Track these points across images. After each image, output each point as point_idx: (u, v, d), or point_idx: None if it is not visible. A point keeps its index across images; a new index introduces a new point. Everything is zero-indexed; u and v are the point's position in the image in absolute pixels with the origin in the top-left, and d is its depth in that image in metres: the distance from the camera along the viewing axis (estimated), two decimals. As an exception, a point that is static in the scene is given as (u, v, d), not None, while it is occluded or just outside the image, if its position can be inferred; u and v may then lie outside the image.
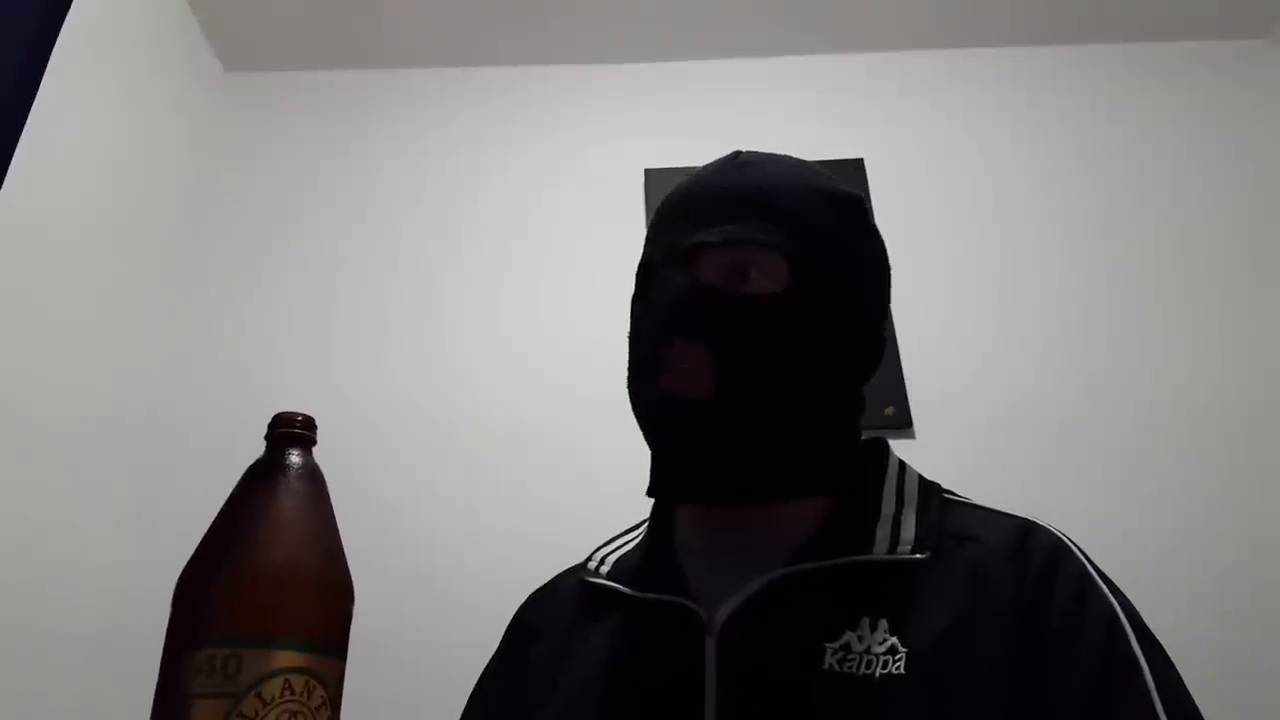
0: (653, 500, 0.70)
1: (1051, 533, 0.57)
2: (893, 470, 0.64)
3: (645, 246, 0.67)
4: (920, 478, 0.64)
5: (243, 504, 0.42)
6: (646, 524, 0.71)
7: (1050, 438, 1.54)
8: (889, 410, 1.53)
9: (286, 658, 0.38)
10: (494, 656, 0.72)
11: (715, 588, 0.58)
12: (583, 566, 0.70)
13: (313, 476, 0.44)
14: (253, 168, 1.86)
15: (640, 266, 0.66)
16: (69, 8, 1.38)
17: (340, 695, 0.41)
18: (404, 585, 1.42)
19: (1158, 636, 0.54)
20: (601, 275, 1.73)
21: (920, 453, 1.53)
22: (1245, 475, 1.50)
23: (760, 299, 0.59)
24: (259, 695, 0.36)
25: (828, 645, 0.52)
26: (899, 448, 1.76)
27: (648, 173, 1.80)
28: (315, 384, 1.62)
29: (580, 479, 1.49)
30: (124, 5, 1.58)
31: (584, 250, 1.77)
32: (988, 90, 1.91)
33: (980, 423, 1.55)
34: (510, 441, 1.56)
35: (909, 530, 0.58)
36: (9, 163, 1.23)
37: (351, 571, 0.47)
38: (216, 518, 0.42)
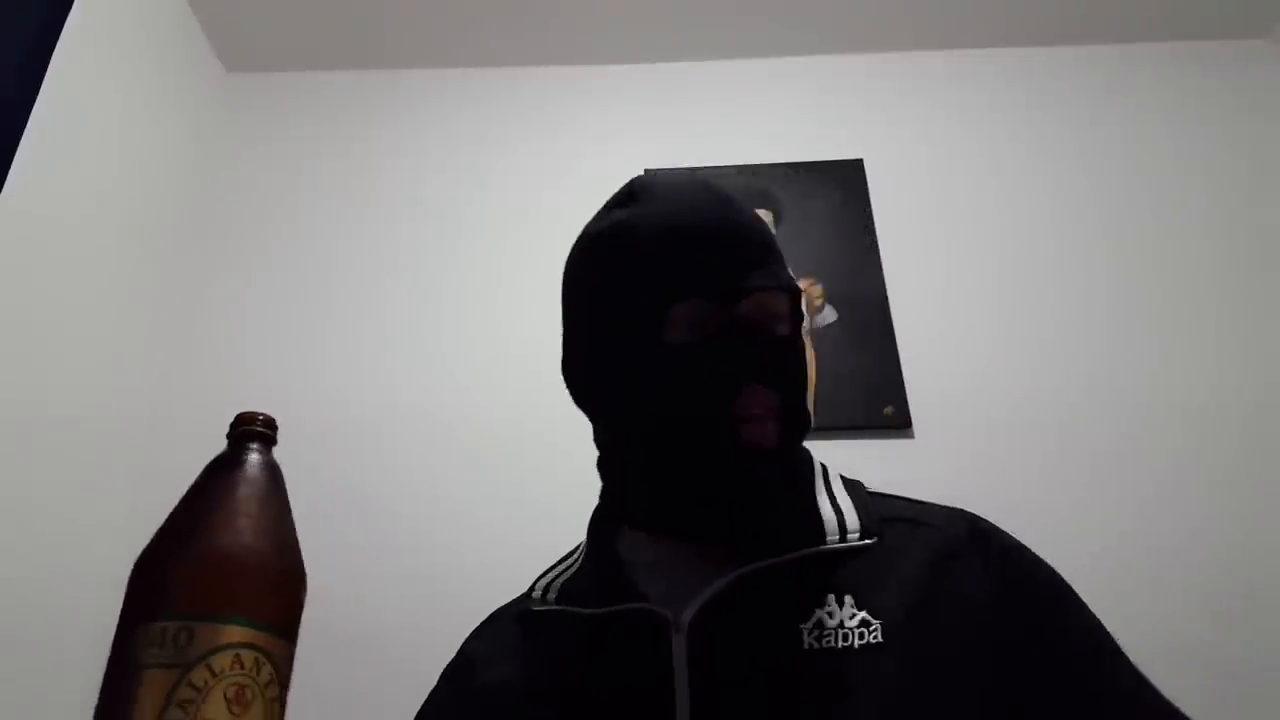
0: (591, 522, 0.72)
1: (980, 518, 0.64)
2: (819, 471, 0.67)
3: (643, 276, 0.62)
4: (841, 475, 0.69)
5: (202, 492, 0.44)
6: (583, 549, 0.71)
7: (1049, 438, 1.54)
8: (888, 410, 1.53)
9: (237, 633, 0.39)
10: (436, 690, 0.71)
11: (672, 593, 0.60)
12: (526, 597, 0.71)
13: (271, 471, 0.46)
14: (253, 168, 1.87)
15: (665, 296, 0.61)
16: (70, 8, 1.38)
17: (289, 675, 0.42)
18: (404, 585, 1.42)
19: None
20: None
21: (919, 453, 1.53)
22: (1242, 476, 1.50)
23: (798, 341, 0.63)
24: (208, 666, 0.37)
25: (802, 626, 0.55)
26: (898, 447, 1.77)
27: (648, 173, 1.81)
28: (315, 384, 1.62)
29: (579, 479, 1.49)
30: (125, 5, 1.58)
31: (584, 250, 1.77)
32: (987, 90, 1.91)
33: (979, 423, 1.55)
34: (509, 441, 1.57)
35: (852, 521, 0.62)
36: (10, 163, 1.23)
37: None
38: (178, 504, 0.44)
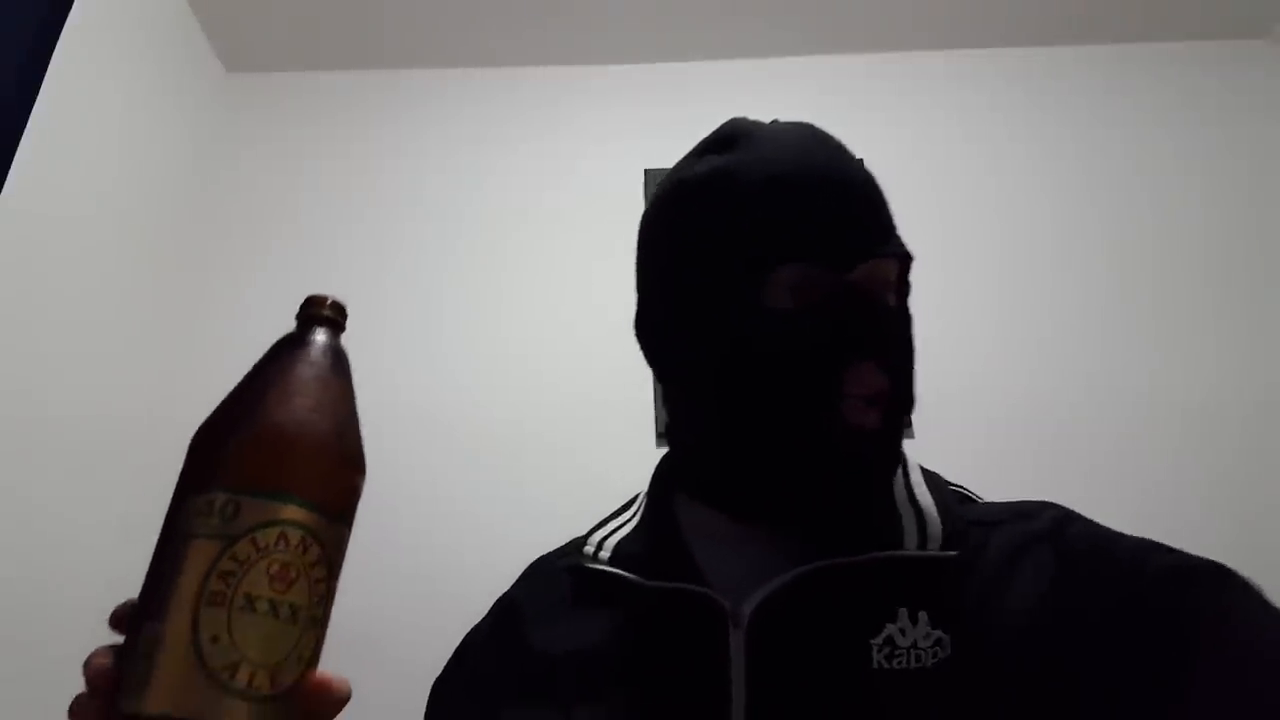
0: (650, 483, 0.68)
1: (1058, 507, 0.59)
2: (898, 469, 0.62)
3: (743, 231, 0.56)
4: (922, 468, 0.63)
5: (264, 369, 0.42)
6: (642, 505, 0.67)
7: (1048, 438, 1.54)
8: (888, 410, 1.54)
9: (285, 511, 0.38)
10: (478, 631, 0.68)
11: (732, 578, 0.55)
12: (578, 551, 0.65)
13: (336, 355, 0.45)
14: (253, 168, 1.87)
15: (739, 256, 0.55)
16: (70, 8, 1.38)
17: (340, 561, 0.41)
18: (404, 585, 1.42)
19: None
20: (601, 275, 1.73)
21: (919, 453, 1.52)
22: (1241, 476, 1.50)
23: (908, 315, 0.57)
24: (253, 541, 0.37)
25: (872, 642, 0.51)
26: (898, 448, 1.74)
27: (647, 173, 1.81)
28: (315, 384, 1.62)
29: (579, 479, 1.49)
30: (124, 6, 1.58)
31: (583, 250, 1.77)
32: (987, 91, 1.91)
33: (979, 423, 1.55)
34: (509, 441, 1.57)
35: (934, 526, 0.56)
36: (10, 163, 1.23)
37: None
38: (239, 381, 0.43)
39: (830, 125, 2.15)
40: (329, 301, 0.46)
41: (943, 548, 0.54)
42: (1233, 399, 1.57)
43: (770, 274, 0.54)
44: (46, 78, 1.33)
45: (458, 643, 0.71)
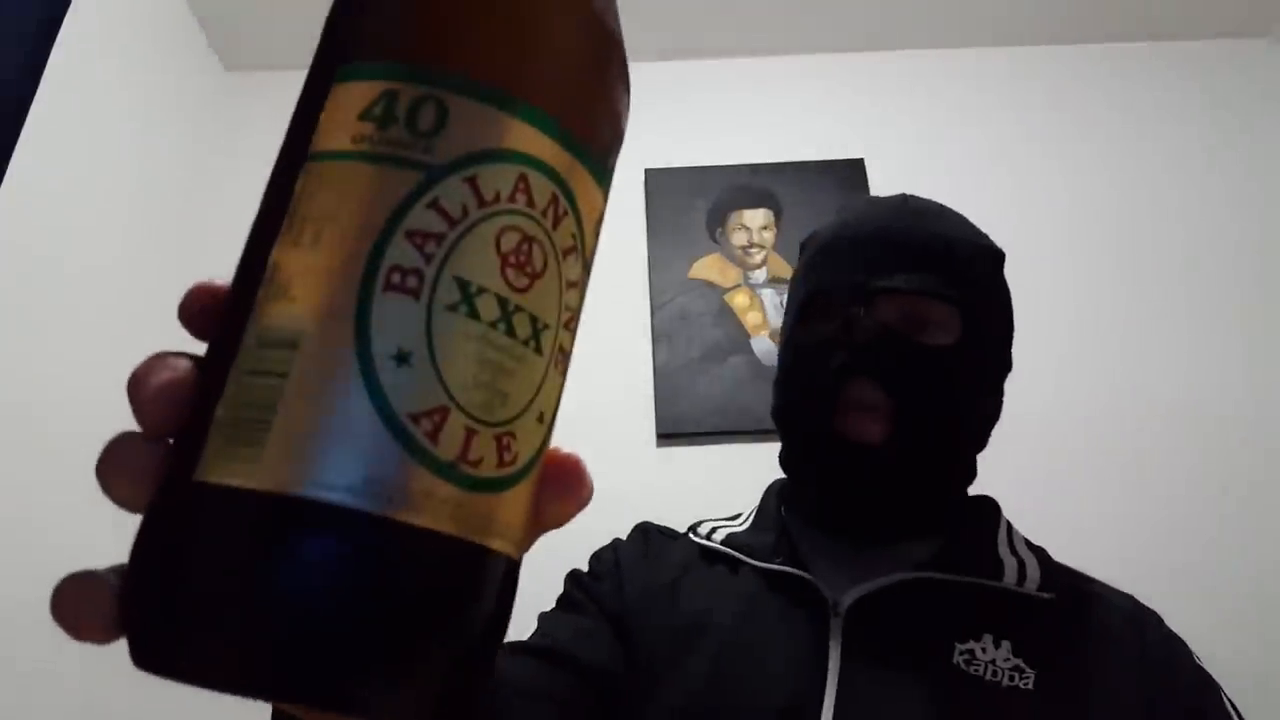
0: (769, 487, 0.75)
1: (1144, 604, 0.64)
2: (1004, 525, 0.68)
3: (809, 274, 0.68)
4: (1026, 538, 0.68)
5: None
6: (753, 512, 0.74)
7: (1051, 440, 1.54)
8: (888, 410, 1.54)
9: (529, 137, 0.20)
10: (620, 540, 0.74)
11: (835, 576, 0.62)
12: (690, 531, 0.72)
13: None
14: (252, 166, 1.85)
15: (807, 295, 0.67)
16: (68, 6, 1.38)
17: (595, 245, 0.23)
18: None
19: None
20: (602, 275, 1.73)
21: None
22: (1249, 478, 1.50)
23: (939, 350, 0.63)
24: (472, 182, 0.19)
25: (957, 645, 0.56)
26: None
27: (648, 172, 1.80)
28: (315, 383, 1.62)
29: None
30: (122, 4, 1.57)
31: (584, 250, 1.77)
32: (988, 90, 1.91)
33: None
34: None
35: (1034, 570, 0.61)
36: (8, 161, 1.23)
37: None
38: None
39: (831, 125, 2.15)
40: None
41: (1039, 590, 0.60)
42: (1239, 402, 1.57)
43: (808, 307, 0.66)
44: (45, 77, 1.32)
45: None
